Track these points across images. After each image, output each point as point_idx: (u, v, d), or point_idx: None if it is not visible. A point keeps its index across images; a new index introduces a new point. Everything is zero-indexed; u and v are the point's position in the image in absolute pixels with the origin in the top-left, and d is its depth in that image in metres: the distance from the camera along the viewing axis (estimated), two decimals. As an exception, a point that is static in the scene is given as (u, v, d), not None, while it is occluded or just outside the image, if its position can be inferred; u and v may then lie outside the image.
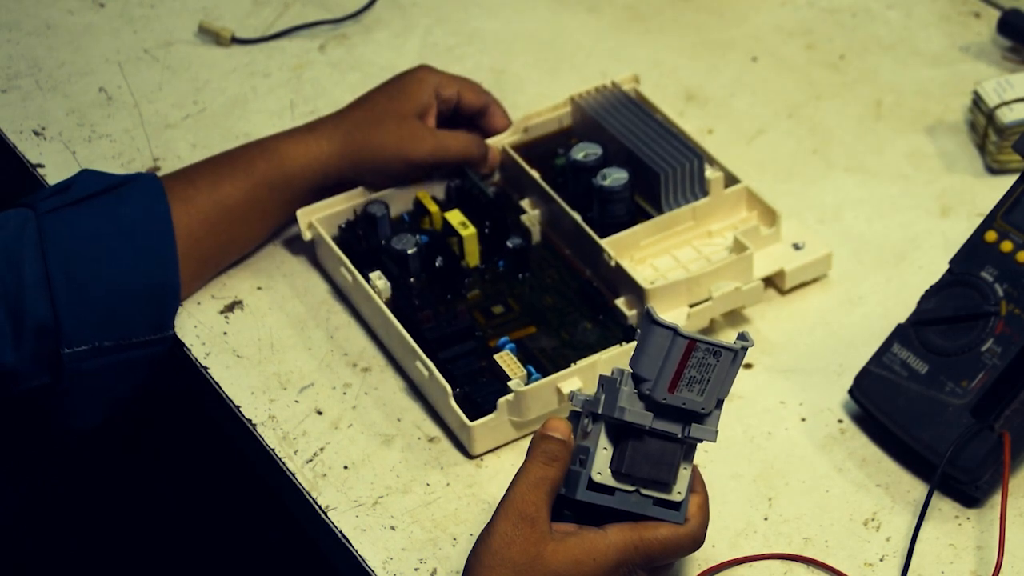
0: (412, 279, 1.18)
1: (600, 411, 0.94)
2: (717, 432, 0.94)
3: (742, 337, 0.93)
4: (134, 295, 1.14)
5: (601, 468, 0.94)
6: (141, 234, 1.15)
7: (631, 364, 0.93)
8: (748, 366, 1.15)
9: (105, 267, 1.13)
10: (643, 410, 0.93)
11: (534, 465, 0.95)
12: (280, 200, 1.21)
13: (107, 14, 1.47)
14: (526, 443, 1.01)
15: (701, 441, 0.95)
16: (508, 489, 0.95)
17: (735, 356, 0.92)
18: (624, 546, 0.94)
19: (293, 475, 1.09)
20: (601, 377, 0.96)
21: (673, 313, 1.14)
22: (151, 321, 1.15)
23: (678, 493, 0.95)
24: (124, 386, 1.17)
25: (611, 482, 0.95)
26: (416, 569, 1.03)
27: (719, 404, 0.94)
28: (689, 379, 0.92)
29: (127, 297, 1.13)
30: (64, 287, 1.11)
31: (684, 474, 0.95)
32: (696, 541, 0.97)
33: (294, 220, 1.22)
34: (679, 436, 0.94)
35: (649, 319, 0.92)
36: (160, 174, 1.20)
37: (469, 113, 1.27)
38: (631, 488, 0.95)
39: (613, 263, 1.16)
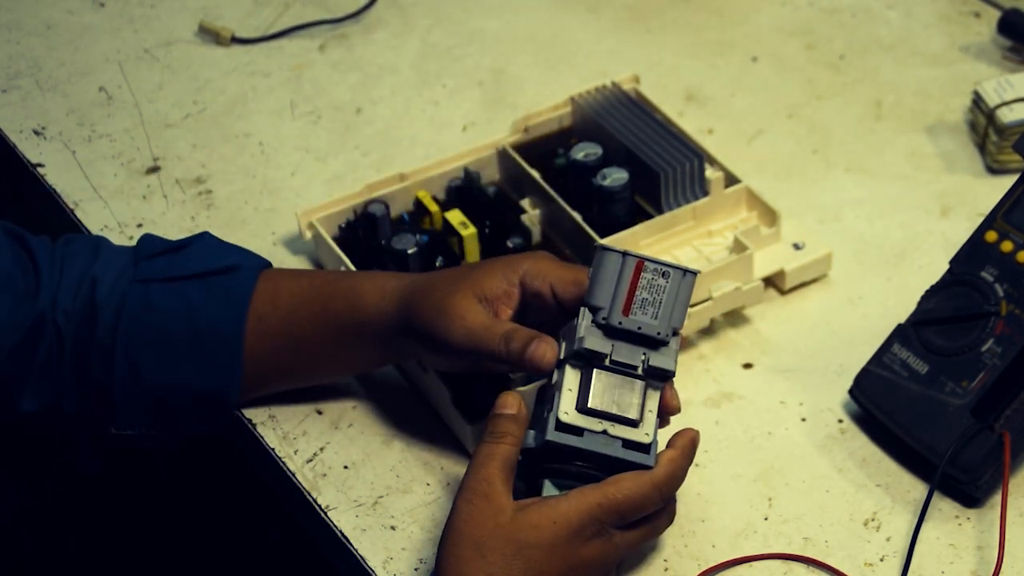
0: (412, 279, 1.18)
1: (562, 356, 0.98)
2: (676, 362, 0.98)
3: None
4: (188, 398, 1.09)
5: (568, 408, 0.97)
6: (211, 340, 1.08)
7: (586, 299, 0.98)
8: (748, 366, 1.15)
9: (165, 366, 1.08)
10: (603, 338, 0.97)
11: (482, 444, 0.97)
12: (353, 340, 1.08)
13: (107, 14, 1.47)
14: (526, 443, 1.01)
15: (663, 378, 0.98)
16: (464, 474, 0.96)
17: (684, 276, 0.98)
18: (587, 506, 0.94)
19: (293, 475, 1.09)
20: (561, 329, 1.00)
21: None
22: (202, 421, 1.12)
23: (645, 434, 0.97)
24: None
25: (579, 421, 0.97)
26: (416, 569, 1.03)
27: (675, 334, 0.98)
28: (642, 301, 0.97)
29: (181, 398, 1.09)
30: (122, 367, 1.07)
31: (650, 416, 0.98)
32: (660, 490, 0.97)
33: (293, 218, 1.22)
34: (640, 369, 0.97)
35: (601, 249, 0.97)
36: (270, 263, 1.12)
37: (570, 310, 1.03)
38: (599, 428, 0.97)
39: (613, 263, 1.15)
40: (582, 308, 0.98)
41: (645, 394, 0.98)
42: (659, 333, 0.97)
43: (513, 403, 0.98)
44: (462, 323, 1.00)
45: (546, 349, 0.98)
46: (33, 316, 1.06)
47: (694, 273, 0.98)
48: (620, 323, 0.97)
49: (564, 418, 0.96)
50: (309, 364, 1.10)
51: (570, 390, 0.97)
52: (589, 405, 0.96)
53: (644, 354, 0.97)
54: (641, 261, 0.97)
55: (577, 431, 0.96)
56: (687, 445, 0.99)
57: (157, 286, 1.08)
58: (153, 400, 1.09)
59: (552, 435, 0.96)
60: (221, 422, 1.12)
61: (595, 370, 0.97)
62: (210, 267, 1.09)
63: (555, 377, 0.99)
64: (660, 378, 0.98)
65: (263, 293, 1.08)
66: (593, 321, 0.97)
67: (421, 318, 1.02)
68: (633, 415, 0.97)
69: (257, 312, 1.08)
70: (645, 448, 0.97)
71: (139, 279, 1.08)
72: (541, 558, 0.93)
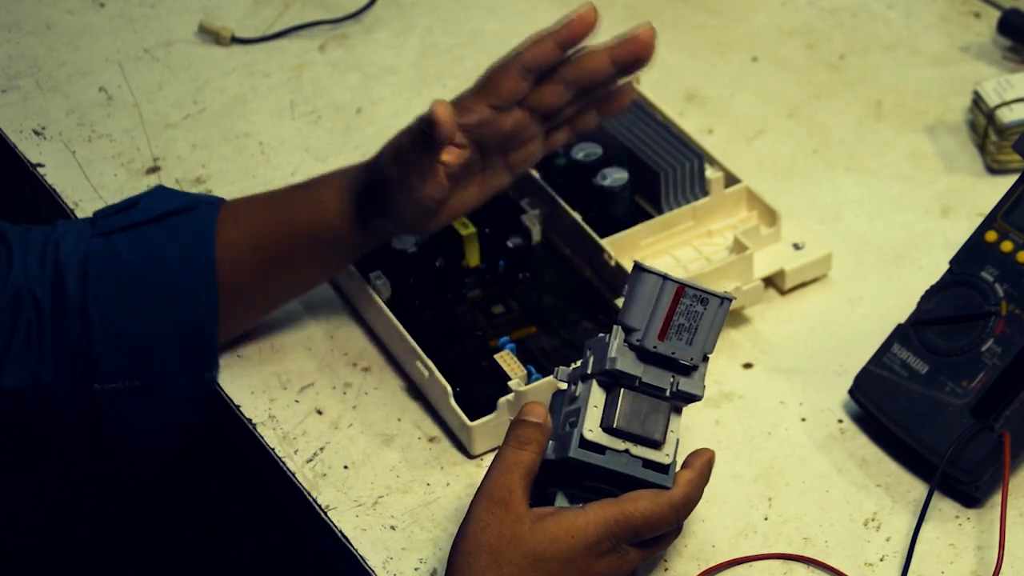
0: (412, 279, 1.18)
1: (590, 371, 0.97)
2: (704, 388, 0.97)
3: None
4: (169, 338, 1.10)
5: (592, 426, 0.96)
6: (183, 276, 1.09)
7: (620, 317, 0.96)
8: (748, 366, 1.15)
9: (141, 307, 1.09)
10: (634, 360, 0.95)
11: (506, 450, 0.96)
12: (320, 247, 1.12)
13: (107, 14, 1.47)
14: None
15: (688, 401, 0.97)
16: (484, 477, 0.96)
17: (721, 304, 0.96)
18: (604, 521, 0.94)
19: (293, 475, 1.09)
20: (588, 341, 0.98)
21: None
22: (186, 365, 1.12)
23: (666, 455, 0.97)
24: (160, 422, 1.15)
25: (603, 440, 0.96)
26: (416, 569, 1.03)
27: (705, 359, 0.97)
28: (678, 327, 0.95)
29: (161, 339, 1.10)
30: (100, 325, 1.08)
31: (672, 437, 0.97)
32: (677, 511, 0.97)
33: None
34: (668, 392, 0.96)
35: (638, 269, 0.95)
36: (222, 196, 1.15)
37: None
38: (622, 447, 0.96)
39: (613, 263, 1.16)
40: (615, 326, 0.96)
41: (669, 416, 0.97)
42: (692, 360, 0.96)
43: (540, 412, 0.97)
44: (386, 149, 1.07)
45: (440, 106, 0.99)
46: (9, 291, 1.07)
47: (730, 300, 0.96)
48: (655, 348, 0.95)
49: (588, 436, 0.95)
50: (284, 280, 1.13)
51: (595, 407, 0.96)
52: (615, 425, 0.95)
53: (673, 377, 0.96)
54: (681, 287, 0.95)
55: (600, 449, 0.96)
56: (704, 466, 0.98)
57: (119, 235, 1.10)
58: (134, 349, 1.09)
59: (575, 452, 0.95)
60: (206, 369, 1.13)
61: (623, 390, 0.96)
62: (169, 208, 1.11)
63: (577, 389, 0.98)
64: (686, 401, 0.98)
65: (226, 223, 1.11)
66: (626, 341, 0.96)
67: (366, 181, 1.08)
68: (657, 437, 0.96)
69: (224, 241, 1.10)
70: (664, 469, 0.97)
71: (99, 233, 1.10)
72: (557, 570, 0.93)
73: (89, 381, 1.10)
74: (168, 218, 1.11)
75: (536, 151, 1.10)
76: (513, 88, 1.07)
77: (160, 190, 1.15)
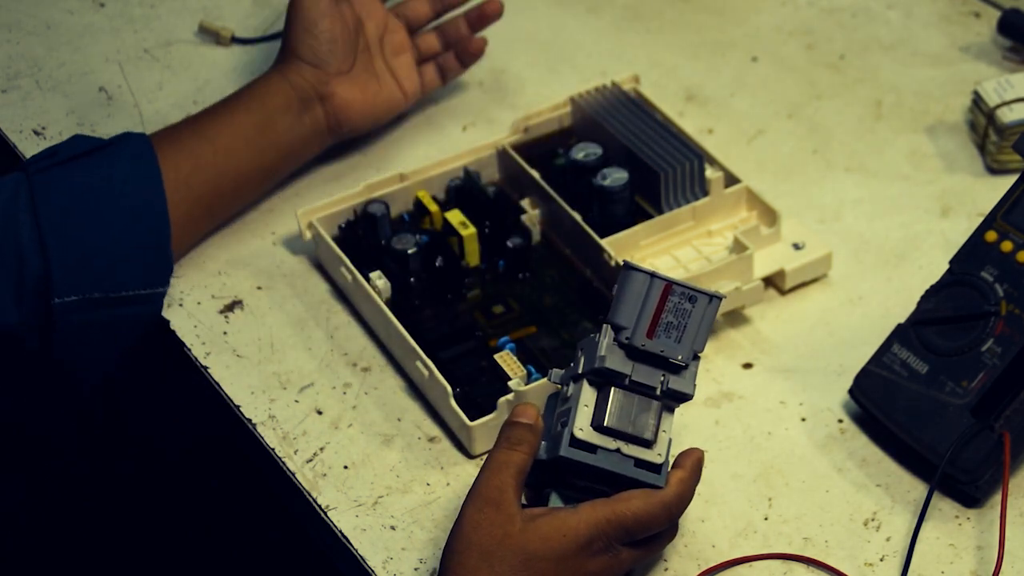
0: (412, 279, 1.18)
1: (581, 371, 0.97)
2: (695, 387, 0.97)
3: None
4: (125, 249, 1.15)
5: (583, 424, 0.96)
6: (131, 190, 1.16)
7: (609, 316, 0.97)
8: (748, 366, 1.15)
9: (95, 222, 1.15)
10: (624, 358, 0.96)
11: (498, 450, 0.96)
12: (267, 143, 1.24)
13: (107, 14, 1.47)
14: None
15: (680, 400, 0.98)
16: (476, 477, 0.96)
17: (710, 302, 0.96)
18: (595, 521, 0.94)
19: (293, 475, 1.09)
20: (580, 341, 0.99)
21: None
22: (142, 276, 1.17)
23: (658, 455, 0.97)
24: (115, 347, 1.18)
25: (593, 438, 0.96)
26: (416, 569, 1.03)
27: (696, 358, 0.97)
28: (666, 324, 0.96)
29: (118, 251, 1.15)
30: (55, 240, 1.13)
31: (664, 436, 0.97)
32: (670, 510, 0.97)
33: (292, 217, 1.22)
34: (658, 391, 0.96)
35: (627, 267, 0.96)
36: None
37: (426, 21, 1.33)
38: (613, 446, 0.96)
39: (613, 263, 1.16)
40: (604, 325, 0.97)
41: (660, 415, 0.97)
42: (681, 358, 0.96)
43: (531, 413, 0.97)
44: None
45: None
46: None
47: (720, 298, 0.97)
48: (643, 345, 0.96)
49: (579, 435, 0.96)
50: (244, 194, 1.24)
51: (586, 406, 0.97)
52: (605, 424, 0.96)
53: (663, 376, 0.97)
54: (669, 284, 0.96)
55: (591, 448, 0.96)
56: (695, 465, 0.99)
57: (57, 169, 1.16)
58: (91, 263, 1.14)
59: (566, 451, 0.96)
60: (161, 283, 1.17)
61: (613, 389, 0.97)
62: (100, 143, 1.19)
63: (569, 390, 0.98)
64: (677, 400, 0.98)
65: (165, 136, 1.21)
66: (615, 340, 0.96)
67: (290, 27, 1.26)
68: (648, 436, 0.96)
69: (166, 151, 1.19)
70: (656, 468, 0.97)
71: (37, 171, 1.15)
72: (549, 570, 0.93)
73: (47, 297, 1.13)
74: (103, 149, 1.18)
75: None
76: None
77: (78, 137, 1.21)
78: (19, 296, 1.13)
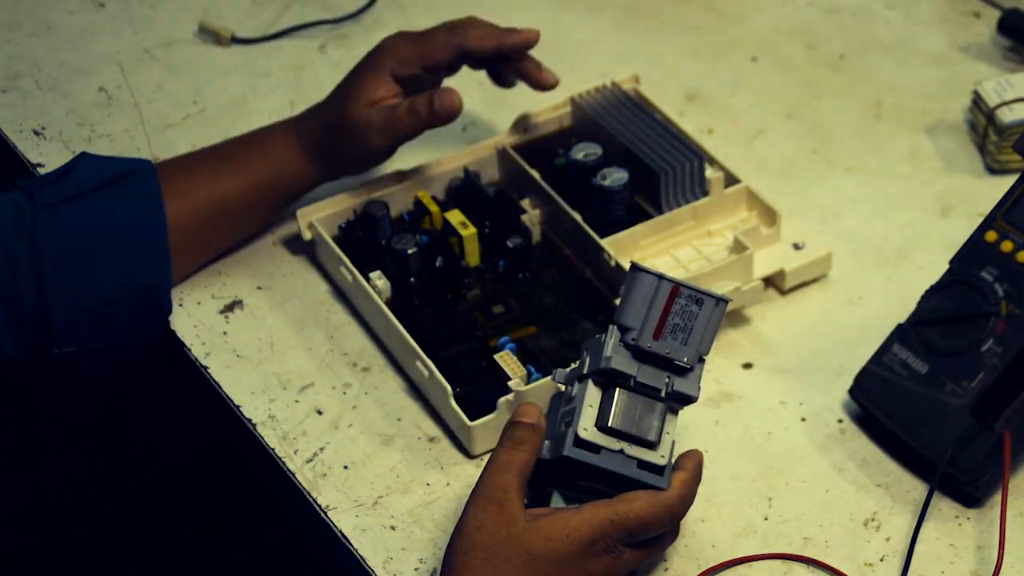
0: (412, 279, 1.18)
1: (586, 371, 0.97)
2: (699, 389, 0.97)
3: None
4: (125, 301, 1.14)
5: (587, 425, 0.96)
6: (135, 238, 1.14)
7: (616, 317, 0.97)
8: (748, 366, 1.15)
9: (97, 272, 1.13)
10: (630, 359, 0.96)
11: (501, 450, 0.96)
12: (277, 196, 1.21)
13: (107, 14, 1.47)
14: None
15: (684, 402, 0.98)
16: (479, 477, 0.96)
17: (717, 304, 0.96)
18: (598, 522, 0.94)
19: (293, 475, 1.09)
20: (585, 342, 0.99)
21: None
22: (141, 326, 1.16)
23: (661, 457, 0.97)
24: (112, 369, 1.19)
25: (597, 439, 0.96)
26: (416, 569, 1.03)
27: (701, 361, 0.97)
28: (673, 326, 0.96)
29: (118, 303, 1.14)
30: (56, 291, 1.11)
31: (667, 439, 0.97)
32: (673, 512, 0.97)
33: (292, 216, 1.22)
34: (663, 392, 0.96)
35: (635, 269, 0.96)
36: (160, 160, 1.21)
37: (481, 61, 1.23)
38: (616, 447, 0.96)
39: (613, 263, 1.16)
40: (611, 326, 0.97)
41: (664, 417, 0.97)
42: (686, 360, 0.97)
43: (534, 413, 0.98)
44: (375, 126, 1.17)
45: (448, 95, 1.07)
46: None
47: (727, 301, 0.97)
48: (649, 347, 0.96)
49: (583, 435, 0.96)
50: (233, 229, 1.22)
51: (591, 406, 0.97)
52: (610, 424, 0.96)
53: (668, 377, 0.97)
54: (676, 287, 0.96)
55: (595, 448, 0.96)
56: (696, 467, 0.99)
57: (64, 208, 1.13)
58: (91, 313, 1.12)
59: (570, 451, 0.96)
60: (158, 329, 1.17)
61: (618, 389, 0.96)
62: (107, 177, 1.15)
63: (574, 390, 0.98)
64: (682, 402, 0.98)
65: (176, 173, 1.18)
66: (621, 340, 0.96)
67: (340, 141, 1.18)
68: (652, 437, 0.96)
69: (176, 189, 1.17)
70: (660, 470, 0.97)
71: (43, 206, 1.13)
72: (551, 570, 0.93)
73: (46, 347, 1.13)
74: (110, 185, 1.15)
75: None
76: (443, 59, 1.20)
77: (87, 157, 1.18)
78: (15, 330, 1.12)
